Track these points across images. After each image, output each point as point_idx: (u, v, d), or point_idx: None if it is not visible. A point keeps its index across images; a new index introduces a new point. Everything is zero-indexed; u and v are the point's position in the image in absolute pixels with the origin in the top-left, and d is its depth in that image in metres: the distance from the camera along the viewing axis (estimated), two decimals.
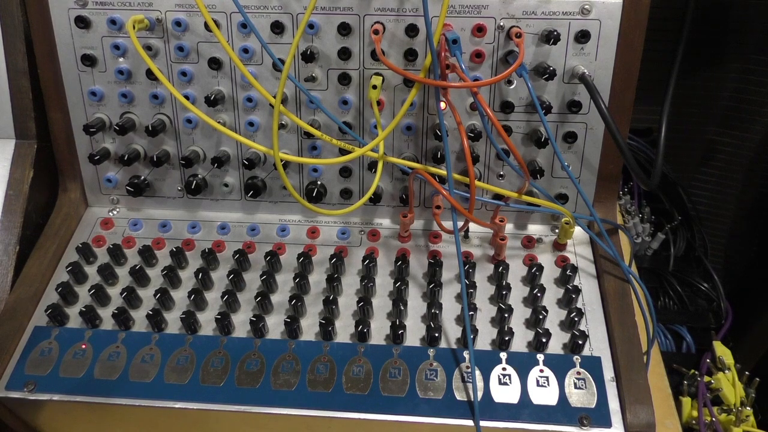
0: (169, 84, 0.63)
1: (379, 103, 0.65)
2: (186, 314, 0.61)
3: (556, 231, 0.69)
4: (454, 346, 0.60)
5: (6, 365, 0.60)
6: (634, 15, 0.61)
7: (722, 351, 0.78)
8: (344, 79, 0.65)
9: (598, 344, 0.60)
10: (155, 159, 0.68)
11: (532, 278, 0.65)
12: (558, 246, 0.68)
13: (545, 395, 0.56)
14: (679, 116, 1.00)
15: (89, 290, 0.63)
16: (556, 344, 0.60)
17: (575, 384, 0.57)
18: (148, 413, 0.58)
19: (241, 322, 0.62)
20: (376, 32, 0.61)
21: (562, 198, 0.69)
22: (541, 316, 0.60)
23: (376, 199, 0.69)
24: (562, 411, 0.55)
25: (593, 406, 0.56)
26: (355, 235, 0.71)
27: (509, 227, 0.70)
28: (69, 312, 0.64)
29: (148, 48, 0.66)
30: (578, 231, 0.69)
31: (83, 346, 0.61)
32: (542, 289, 0.62)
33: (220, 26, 0.64)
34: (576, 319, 0.60)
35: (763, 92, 0.95)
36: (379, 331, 0.61)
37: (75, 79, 0.68)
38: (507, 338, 0.59)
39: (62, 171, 0.73)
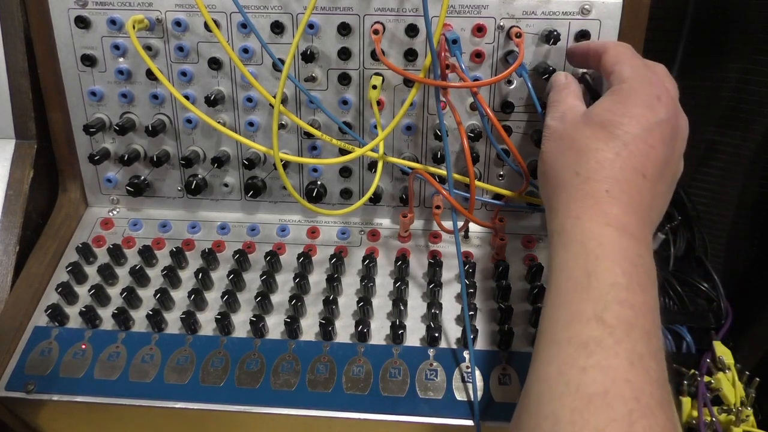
0: (169, 84, 0.63)
1: (379, 103, 0.65)
2: (186, 314, 0.61)
3: None
4: (454, 346, 0.60)
5: (6, 365, 0.60)
6: (634, 15, 0.61)
7: (722, 351, 0.78)
8: (344, 79, 0.65)
9: None
10: (155, 159, 0.68)
11: (532, 278, 0.65)
12: None
13: None
14: None
15: (89, 290, 0.63)
16: None
17: None
18: (148, 413, 0.58)
19: (241, 322, 0.62)
20: (376, 32, 0.61)
21: None
22: None
23: (376, 199, 0.69)
24: None
25: None
26: (355, 235, 0.71)
27: (509, 227, 0.70)
28: (69, 312, 0.64)
29: (148, 48, 0.66)
30: None
31: (83, 346, 0.61)
32: (542, 289, 0.62)
33: (220, 26, 0.64)
34: None
35: (763, 92, 0.94)
36: (379, 331, 0.61)
37: (75, 79, 0.68)
38: (507, 338, 0.59)
39: (62, 171, 0.73)
